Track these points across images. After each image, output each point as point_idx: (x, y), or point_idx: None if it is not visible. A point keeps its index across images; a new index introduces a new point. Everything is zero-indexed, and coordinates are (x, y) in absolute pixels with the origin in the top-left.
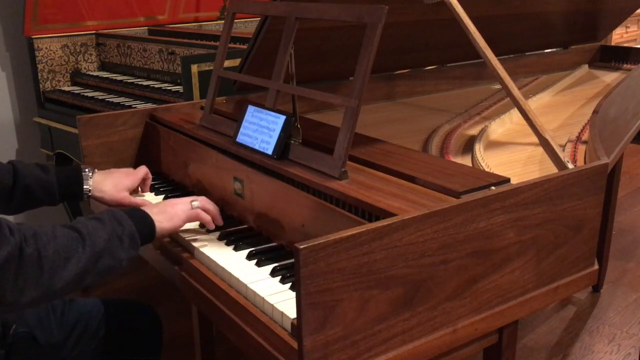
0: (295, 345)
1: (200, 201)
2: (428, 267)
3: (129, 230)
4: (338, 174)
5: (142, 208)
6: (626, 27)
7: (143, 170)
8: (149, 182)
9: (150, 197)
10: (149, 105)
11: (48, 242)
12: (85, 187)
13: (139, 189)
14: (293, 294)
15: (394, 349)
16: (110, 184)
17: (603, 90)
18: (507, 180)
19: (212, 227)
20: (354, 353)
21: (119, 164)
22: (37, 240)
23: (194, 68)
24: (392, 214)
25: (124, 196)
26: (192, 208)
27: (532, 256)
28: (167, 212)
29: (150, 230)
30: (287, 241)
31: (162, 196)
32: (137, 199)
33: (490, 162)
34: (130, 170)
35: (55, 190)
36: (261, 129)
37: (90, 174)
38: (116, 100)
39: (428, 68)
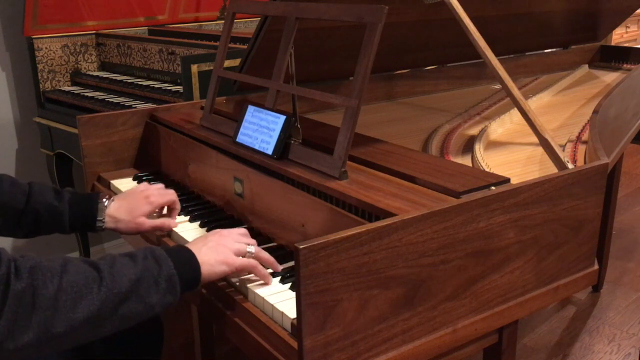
0: (295, 345)
1: (254, 245)
2: (428, 267)
3: (167, 272)
4: (338, 174)
5: (187, 245)
6: (626, 27)
7: (168, 196)
8: (176, 213)
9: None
10: (149, 105)
11: (51, 278)
12: (98, 218)
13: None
14: (293, 294)
15: (394, 348)
16: (125, 211)
17: (603, 90)
18: (507, 180)
19: (270, 283)
20: (354, 353)
21: (119, 164)
22: (34, 275)
23: (194, 68)
24: (392, 214)
25: (142, 222)
26: (246, 252)
27: (532, 256)
28: (219, 252)
29: (195, 274)
30: (287, 241)
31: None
32: (156, 222)
33: (490, 162)
34: (151, 193)
35: (65, 220)
36: (261, 129)
37: (107, 203)
38: (116, 100)
39: (428, 68)
